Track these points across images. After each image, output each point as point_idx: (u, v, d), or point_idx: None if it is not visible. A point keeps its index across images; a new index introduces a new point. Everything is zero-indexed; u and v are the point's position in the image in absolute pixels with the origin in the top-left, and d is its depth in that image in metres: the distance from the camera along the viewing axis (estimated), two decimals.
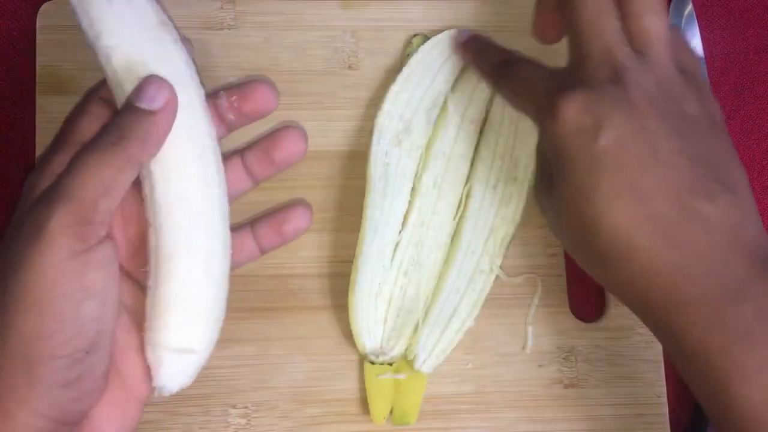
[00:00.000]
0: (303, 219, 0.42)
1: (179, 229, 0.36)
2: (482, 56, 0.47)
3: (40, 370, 0.32)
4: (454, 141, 0.49)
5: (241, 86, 0.39)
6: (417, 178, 0.49)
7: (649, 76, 0.38)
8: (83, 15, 0.36)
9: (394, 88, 0.49)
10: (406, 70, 0.50)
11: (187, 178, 0.36)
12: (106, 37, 0.36)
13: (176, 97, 0.36)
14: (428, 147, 0.49)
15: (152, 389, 0.37)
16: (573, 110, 0.37)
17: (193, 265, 0.36)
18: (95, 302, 0.33)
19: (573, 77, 0.39)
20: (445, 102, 0.50)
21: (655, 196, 0.36)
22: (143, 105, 0.35)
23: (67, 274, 0.32)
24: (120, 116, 0.35)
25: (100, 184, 0.33)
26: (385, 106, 0.49)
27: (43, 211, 0.32)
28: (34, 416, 0.33)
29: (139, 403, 0.38)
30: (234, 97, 0.39)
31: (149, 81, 0.35)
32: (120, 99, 0.37)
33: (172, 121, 0.36)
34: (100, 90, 0.38)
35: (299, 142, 0.41)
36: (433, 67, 0.50)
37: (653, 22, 0.38)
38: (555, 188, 0.39)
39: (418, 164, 0.49)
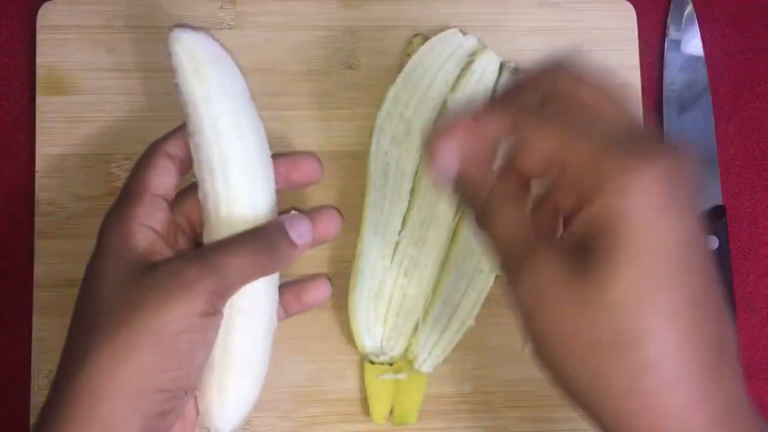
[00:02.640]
0: (322, 290, 0.45)
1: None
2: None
3: (146, 399, 0.37)
4: None
5: (289, 157, 0.43)
6: (417, 178, 0.49)
7: None
8: (192, 74, 0.39)
9: (394, 88, 0.49)
10: (406, 70, 0.50)
11: None
12: (217, 102, 0.40)
13: (312, 235, 0.42)
14: None
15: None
16: (661, 175, 0.30)
17: (249, 332, 0.41)
18: (205, 353, 0.39)
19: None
20: (445, 102, 0.50)
21: (707, 333, 0.31)
22: (294, 237, 0.41)
23: (196, 327, 0.38)
24: (275, 233, 0.41)
25: (244, 275, 0.39)
26: (385, 106, 0.49)
27: (194, 273, 0.38)
28: None
29: None
30: (282, 168, 0.43)
31: (303, 219, 0.42)
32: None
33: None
34: (166, 146, 0.41)
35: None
36: (433, 67, 0.50)
37: None
38: (593, 275, 0.31)
39: (418, 164, 0.49)
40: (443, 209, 0.49)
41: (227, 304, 0.40)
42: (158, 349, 0.37)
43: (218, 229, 0.40)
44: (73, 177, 0.49)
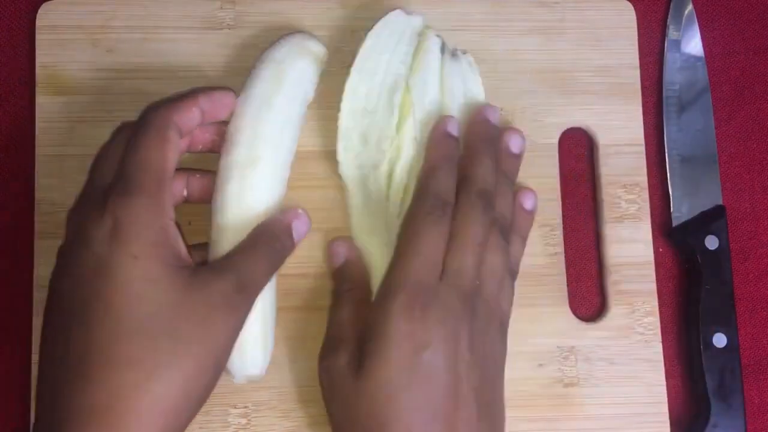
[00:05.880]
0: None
1: None
2: None
3: (194, 410, 0.38)
4: (421, 125, 0.47)
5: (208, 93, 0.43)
6: (411, 175, 0.47)
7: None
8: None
9: (350, 83, 0.48)
10: (358, 61, 0.48)
11: None
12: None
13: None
14: (397, 134, 0.47)
15: None
16: (409, 302, 0.41)
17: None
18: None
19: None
20: (407, 85, 0.48)
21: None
22: (295, 237, 0.43)
23: (233, 335, 0.39)
24: (285, 238, 0.43)
25: (267, 275, 0.41)
26: (345, 104, 0.48)
27: (241, 296, 0.39)
28: None
29: None
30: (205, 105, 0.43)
31: (305, 220, 0.44)
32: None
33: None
34: (177, 116, 0.40)
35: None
36: (386, 51, 0.48)
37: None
38: (364, 366, 0.40)
39: (412, 160, 0.47)
40: None
41: None
42: (218, 367, 0.38)
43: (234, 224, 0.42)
44: (73, 177, 0.48)
